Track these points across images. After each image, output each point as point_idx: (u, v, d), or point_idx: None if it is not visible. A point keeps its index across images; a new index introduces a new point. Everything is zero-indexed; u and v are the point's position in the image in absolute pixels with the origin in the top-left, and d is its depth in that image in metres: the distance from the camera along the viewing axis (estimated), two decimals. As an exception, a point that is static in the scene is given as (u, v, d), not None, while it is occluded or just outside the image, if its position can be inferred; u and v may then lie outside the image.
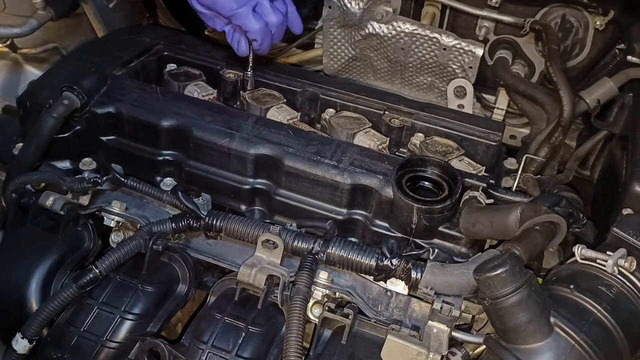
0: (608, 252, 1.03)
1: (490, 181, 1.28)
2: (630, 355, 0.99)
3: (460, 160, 1.36)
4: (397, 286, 1.18)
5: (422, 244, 1.22)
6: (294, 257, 1.21)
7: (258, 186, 1.32)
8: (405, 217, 1.19)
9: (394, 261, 1.14)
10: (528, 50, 1.65)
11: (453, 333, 1.06)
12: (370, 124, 1.44)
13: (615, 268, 1.02)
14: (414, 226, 1.19)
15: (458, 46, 1.56)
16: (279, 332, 1.18)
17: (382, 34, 1.58)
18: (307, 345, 1.18)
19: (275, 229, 1.20)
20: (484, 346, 1.05)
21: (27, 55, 1.86)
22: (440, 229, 1.22)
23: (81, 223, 1.33)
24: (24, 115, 1.40)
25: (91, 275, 1.17)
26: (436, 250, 1.21)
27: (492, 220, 1.13)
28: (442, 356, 1.06)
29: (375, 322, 1.16)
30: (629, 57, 1.51)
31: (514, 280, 0.93)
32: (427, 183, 1.26)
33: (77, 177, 1.31)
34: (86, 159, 1.35)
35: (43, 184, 1.34)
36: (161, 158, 1.38)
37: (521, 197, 1.27)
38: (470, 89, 1.61)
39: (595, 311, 0.97)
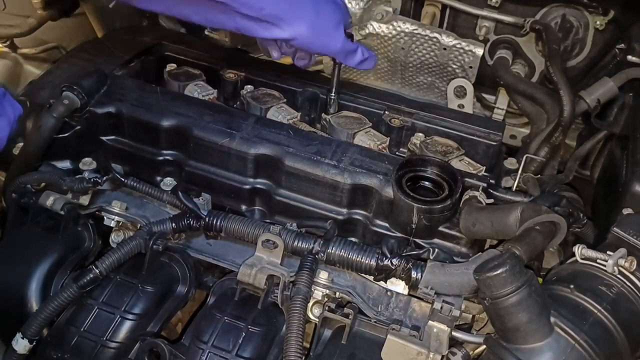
0: (608, 252, 1.03)
1: (491, 181, 1.27)
2: (630, 355, 0.99)
3: (460, 160, 1.36)
4: (397, 286, 1.18)
5: (422, 244, 1.22)
6: (294, 257, 1.21)
7: (258, 186, 1.32)
8: (406, 217, 1.19)
9: (394, 261, 1.14)
10: (528, 50, 1.65)
11: (453, 333, 1.06)
12: (370, 124, 1.44)
13: (615, 268, 1.01)
14: (414, 226, 1.19)
15: (458, 46, 1.56)
16: (279, 332, 1.18)
17: (382, 33, 1.58)
18: (307, 345, 1.18)
19: (275, 229, 1.20)
20: (484, 346, 1.05)
21: (27, 55, 1.86)
22: (440, 228, 1.22)
23: (81, 223, 1.33)
24: (24, 115, 1.39)
25: (91, 275, 1.17)
26: (436, 250, 1.21)
27: (492, 220, 1.13)
28: (442, 356, 1.06)
29: (375, 322, 1.16)
30: (629, 57, 1.51)
31: (514, 280, 0.92)
32: (427, 183, 1.26)
33: (77, 177, 1.31)
34: (86, 159, 1.35)
35: (43, 184, 1.34)
36: (161, 158, 1.38)
37: (521, 197, 1.27)
38: (470, 88, 1.61)
39: (596, 311, 0.97)
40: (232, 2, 1.06)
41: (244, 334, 1.15)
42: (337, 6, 1.22)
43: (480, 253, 1.16)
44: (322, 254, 1.17)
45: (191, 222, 1.23)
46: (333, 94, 1.44)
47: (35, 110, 1.36)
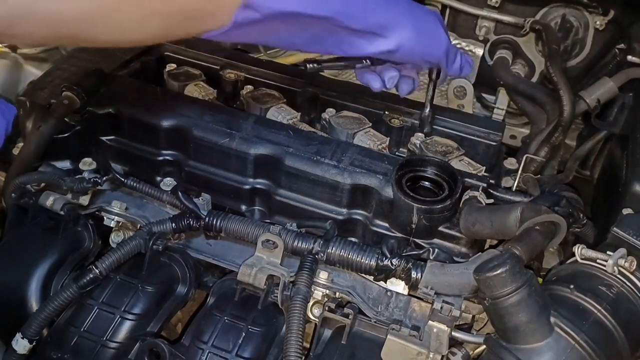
0: (608, 252, 1.03)
1: (490, 181, 1.27)
2: (630, 355, 0.99)
3: (460, 160, 1.36)
4: (397, 286, 1.18)
5: (422, 244, 1.22)
6: (294, 257, 1.21)
7: (258, 186, 1.32)
8: (405, 217, 1.19)
9: (394, 261, 1.14)
10: (528, 50, 1.65)
11: (453, 333, 1.06)
12: (370, 124, 1.44)
13: (615, 268, 1.01)
14: (414, 226, 1.19)
15: (458, 46, 1.56)
16: (279, 332, 1.18)
17: (382, 33, 1.57)
18: (307, 345, 1.18)
19: (275, 229, 1.20)
20: (484, 346, 1.05)
21: (27, 55, 1.86)
22: (440, 228, 1.21)
23: (81, 223, 1.33)
24: (24, 115, 1.40)
25: (91, 275, 1.17)
26: (436, 250, 1.21)
27: (492, 220, 1.13)
28: (442, 356, 1.06)
29: (375, 322, 1.16)
30: (629, 57, 1.51)
31: (514, 280, 0.92)
32: (427, 183, 1.26)
33: (77, 177, 1.30)
34: (86, 159, 1.34)
35: (43, 184, 1.34)
36: (161, 158, 1.38)
37: (521, 197, 1.27)
38: (470, 89, 1.62)
39: (596, 311, 0.97)
40: (337, 15, 0.98)
41: (244, 334, 1.15)
42: (428, 8, 1.14)
43: (480, 253, 1.16)
44: (322, 254, 1.17)
45: (191, 222, 1.23)
46: (428, 111, 1.35)
47: (35, 110, 1.36)
